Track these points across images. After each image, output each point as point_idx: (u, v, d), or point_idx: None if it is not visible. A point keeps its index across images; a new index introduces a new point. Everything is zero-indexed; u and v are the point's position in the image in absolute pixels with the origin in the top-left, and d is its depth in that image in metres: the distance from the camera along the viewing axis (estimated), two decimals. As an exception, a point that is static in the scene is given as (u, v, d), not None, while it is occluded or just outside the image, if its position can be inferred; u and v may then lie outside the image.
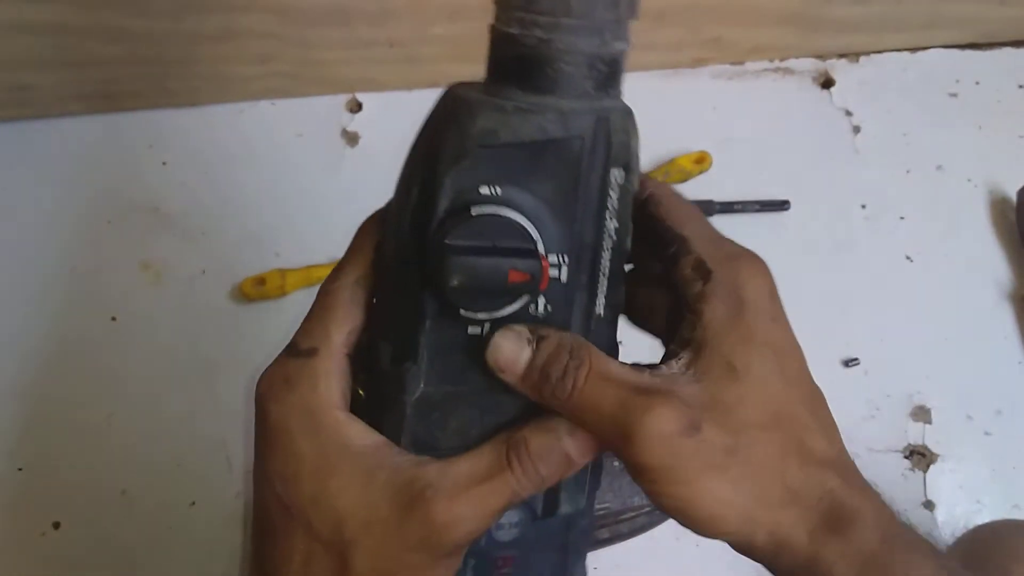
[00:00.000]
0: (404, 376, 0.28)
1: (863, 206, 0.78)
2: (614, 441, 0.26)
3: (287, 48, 0.77)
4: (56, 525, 0.65)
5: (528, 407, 0.28)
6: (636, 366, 0.28)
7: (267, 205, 0.77)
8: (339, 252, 0.78)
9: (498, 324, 0.28)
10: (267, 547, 0.28)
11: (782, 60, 0.85)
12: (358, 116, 0.81)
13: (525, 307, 0.28)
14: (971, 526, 0.64)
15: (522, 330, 0.27)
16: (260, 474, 0.28)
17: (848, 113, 0.82)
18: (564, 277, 0.28)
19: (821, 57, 0.85)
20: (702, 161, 0.78)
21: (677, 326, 0.28)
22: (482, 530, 0.27)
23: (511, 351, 0.27)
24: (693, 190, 0.77)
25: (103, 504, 0.66)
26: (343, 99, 0.82)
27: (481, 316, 0.27)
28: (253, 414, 0.75)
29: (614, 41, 0.27)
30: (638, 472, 0.26)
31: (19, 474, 0.67)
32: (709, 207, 0.75)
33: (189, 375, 0.70)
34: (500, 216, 0.26)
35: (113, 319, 0.73)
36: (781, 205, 0.77)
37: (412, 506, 0.26)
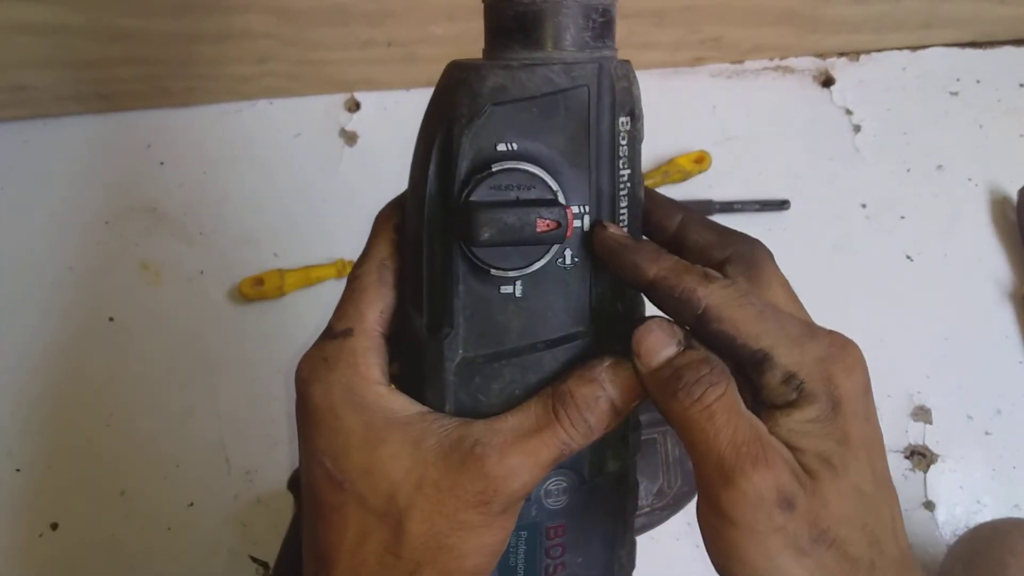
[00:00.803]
0: (442, 343, 0.28)
1: (863, 205, 0.78)
2: (710, 477, 0.26)
3: (286, 48, 0.77)
4: (54, 526, 0.65)
5: (569, 362, 0.29)
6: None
7: (265, 205, 0.77)
8: (338, 252, 0.79)
9: (529, 281, 0.28)
10: (320, 527, 0.28)
11: (782, 59, 0.84)
12: (357, 115, 0.81)
13: (553, 260, 0.28)
14: (972, 526, 0.64)
15: (676, 329, 0.27)
16: (308, 456, 0.29)
17: (848, 112, 0.82)
18: (587, 226, 0.28)
19: (821, 56, 0.85)
20: (701, 160, 0.78)
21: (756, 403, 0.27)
22: (534, 484, 0.27)
23: (658, 341, 0.27)
24: (692, 190, 0.77)
25: (102, 505, 0.66)
26: (342, 99, 0.82)
27: (512, 273, 0.28)
28: (253, 414, 0.75)
29: None
30: (720, 520, 0.26)
31: (17, 475, 0.67)
32: (708, 207, 0.75)
33: (188, 375, 0.70)
34: (520, 169, 0.27)
35: (111, 319, 0.73)
36: (781, 204, 0.76)
37: (464, 464, 0.26)
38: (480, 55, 0.30)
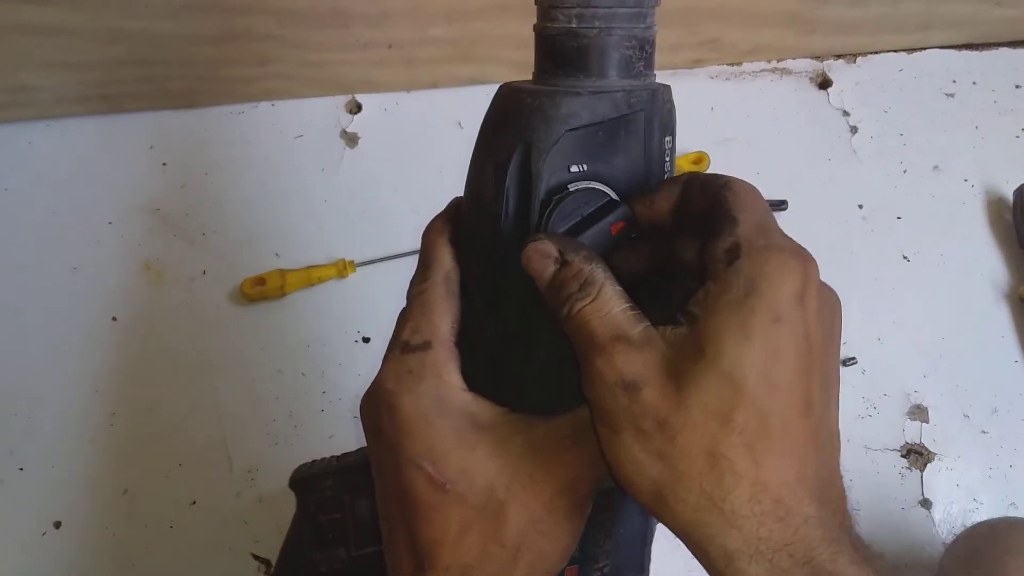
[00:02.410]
0: (521, 352, 0.31)
1: (860, 206, 0.78)
2: (580, 375, 0.28)
3: (287, 50, 0.77)
4: (57, 524, 0.66)
5: None
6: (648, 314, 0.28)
7: (267, 206, 0.77)
8: (339, 252, 0.79)
9: None
10: (419, 525, 0.30)
11: (780, 61, 0.85)
12: (357, 117, 0.81)
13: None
14: (968, 524, 0.64)
15: (552, 249, 0.28)
16: (402, 461, 0.30)
17: (845, 113, 0.82)
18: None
19: (818, 58, 0.85)
20: (700, 162, 0.78)
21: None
22: None
23: (540, 263, 0.29)
24: (691, 190, 0.78)
25: (104, 503, 0.66)
26: (342, 100, 0.82)
27: None
28: (254, 414, 0.75)
29: (653, 25, 0.30)
30: (590, 407, 0.28)
31: (20, 474, 0.67)
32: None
33: (190, 375, 0.71)
34: (593, 189, 0.30)
35: (114, 319, 0.73)
36: (779, 205, 0.77)
37: (554, 456, 0.29)
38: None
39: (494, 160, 0.30)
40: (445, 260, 0.32)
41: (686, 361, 0.25)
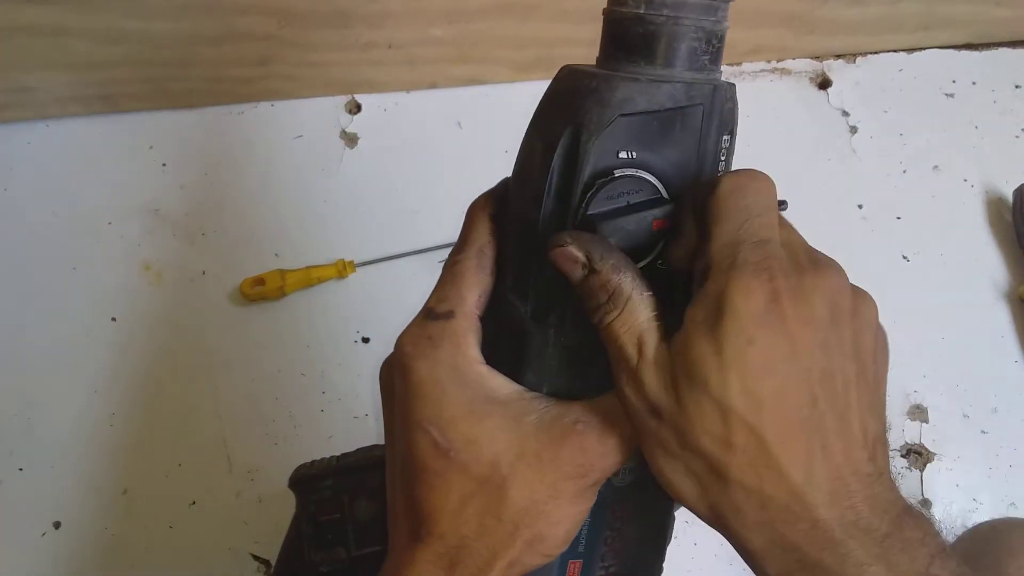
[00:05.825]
0: (548, 331, 0.30)
1: (860, 206, 0.78)
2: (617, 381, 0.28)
3: (286, 50, 0.77)
4: (57, 524, 0.66)
5: None
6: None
7: (267, 206, 0.77)
8: (339, 252, 0.79)
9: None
10: (420, 490, 0.30)
11: (779, 61, 0.85)
12: (357, 117, 0.81)
13: (653, 262, 0.30)
14: (968, 524, 0.64)
15: (578, 255, 0.28)
16: (410, 424, 0.30)
17: (845, 113, 0.82)
18: None
19: (818, 58, 0.85)
20: (700, 161, 0.78)
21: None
22: (623, 462, 0.30)
23: (567, 266, 0.28)
24: (691, 190, 0.78)
25: (104, 503, 0.66)
26: (342, 100, 0.82)
27: None
28: (254, 414, 0.75)
29: (724, 19, 0.30)
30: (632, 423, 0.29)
31: (20, 474, 0.67)
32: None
33: (189, 375, 0.71)
34: (638, 177, 0.29)
35: (113, 319, 0.73)
36: (778, 205, 0.77)
37: (565, 438, 0.29)
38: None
39: (544, 139, 0.30)
40: (481, 235, 0.32)
41: (682, 385, 0.26)
